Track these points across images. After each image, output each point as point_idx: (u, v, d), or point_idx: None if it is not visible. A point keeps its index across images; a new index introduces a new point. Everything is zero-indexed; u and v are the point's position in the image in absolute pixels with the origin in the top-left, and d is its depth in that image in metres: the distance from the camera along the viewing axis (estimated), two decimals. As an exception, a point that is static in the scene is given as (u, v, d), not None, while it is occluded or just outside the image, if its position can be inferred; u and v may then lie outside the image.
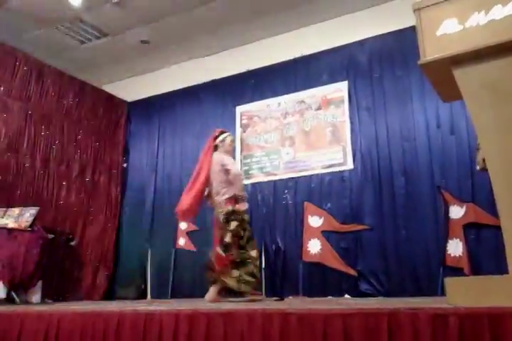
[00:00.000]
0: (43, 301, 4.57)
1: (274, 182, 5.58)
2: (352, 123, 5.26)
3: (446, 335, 1.44)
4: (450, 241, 4.32)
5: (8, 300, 4.24)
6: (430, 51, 2.03)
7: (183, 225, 5.96)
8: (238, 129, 6.01)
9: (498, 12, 1.92)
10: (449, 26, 2.01)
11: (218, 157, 3.98)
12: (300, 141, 5.57)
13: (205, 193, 3.97)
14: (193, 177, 4.00)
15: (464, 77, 1.99)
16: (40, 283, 4.65)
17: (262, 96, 5.95)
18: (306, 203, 5.18)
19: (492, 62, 1.91)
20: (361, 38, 5.44)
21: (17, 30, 5.89)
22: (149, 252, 6.17)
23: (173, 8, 5.60)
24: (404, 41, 4.90)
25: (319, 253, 4.95)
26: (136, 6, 5.52)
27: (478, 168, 2.99)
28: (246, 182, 5.75)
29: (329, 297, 4.57)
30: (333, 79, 5.52)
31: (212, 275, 3.62)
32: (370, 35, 5.38)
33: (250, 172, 5.77)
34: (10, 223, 4.60)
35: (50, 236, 4.94)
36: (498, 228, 1.90)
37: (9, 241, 4.44)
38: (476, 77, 1.96)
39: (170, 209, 6.18)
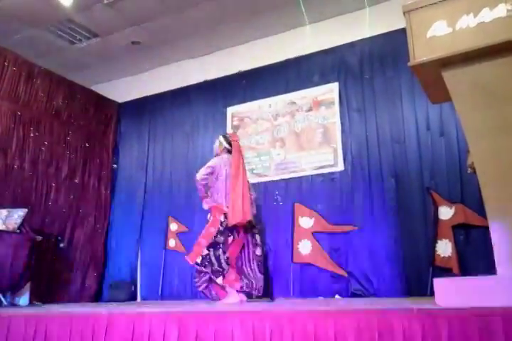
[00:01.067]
0: (31, 303, 4.52)
1: (265, 183, 5.57)
2: (342, 124, 5.28)
3: (435, 335, 1.45)
4: (439, 242, 4.35)
5: (-4, 302, 4.20)
6: (420, 53, 2.05)
7: (173, 226, 5.95)
8: (229, 130, 6.00)
9: (486, 15, 1.94)
10: (439, 28, 2.03)
11: None
12: (291, 142, 5.57)
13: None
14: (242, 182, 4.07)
15: (453, 78, 2.01)
16: (28, 285, 4.60)
17: (253, 98, 5.95)
18: (296, 204, 5.18)
19: (481, 65, 1.93)
20: (352, 40, 5.46)
21: (6, 30, 5.84)
22: (139, 253, 6.15)
23: (164, 9, 5.59)
24: (395, 43, 4.93)
25: (310, 254, 4.95)
26: (126, 6, 5.50)
27: (469, 171, 3.00)
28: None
29: (320, 298, 4.57)
30: (324, 81, 5.54)
31: None
32: (361, 37, 5.40)
33: (241, 173, 5.75)
34: (-2, 225, 4.54)
35: (39, 238, 4.89)
36: (487, 229, 1.92)
37: (-3, 243, 4.39)
38: (465, 79, 1.98)
39: (160, 210, 6.20)
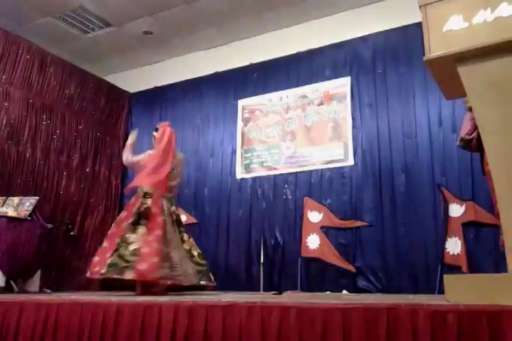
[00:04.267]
0: (41, 291, 4.58)
1: (275, 176, 5.58)
2: (354, 119, 5.25)
3: (445, 332, 1.44)
4: (449, 239, 4.32)
5: (7, 288, 4.26)
6: (435, 48, 2.02)
7: (182, 218, 5.96)
8: (240, 123, 6.00)
9: (504, 9, 1.91)
10: (455, 23, 2.00)
11: None
12: (301, 136, 5.55)
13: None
14: None
15: (469, 74, 1.98)
16: (38, 273, 4.66)
17: (264, 90, 5.93)
18: (305, 198, 5.18)
19: (497, 60, 1.90)
20: (365, 34, 5.41)
21: (20, 18, 5.86)
22: (148, 244, 6.18)
23: (177, 0, 5.57)
24: (409, 37, 4.88)
25: (318, 249, 4.95)
26: (140, -4, 5.50)
27: (458, 143, 3.03)
28: (246, 176, 5.77)
29: (327, 292, 4.58)
30: (336, 75, 5.50)
31: None
32: (375, 31, 5.35)
33: (251, 166, 5.76)
34: (9, 212, 4.60)
35: (50, 225, 4.95)
36: (498, 227, 1.91)
37: (8, 230, 4.45)
38: (481, 75, 1.95)
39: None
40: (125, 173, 6.78)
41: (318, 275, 4.93)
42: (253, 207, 5.55)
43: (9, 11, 5.67)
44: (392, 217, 4.74)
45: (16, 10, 5.69)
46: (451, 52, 1.98)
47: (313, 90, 5.60)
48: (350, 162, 5.14)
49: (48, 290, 4.58)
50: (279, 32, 6.09)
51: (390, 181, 4.86)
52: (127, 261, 3.49)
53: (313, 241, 4.98)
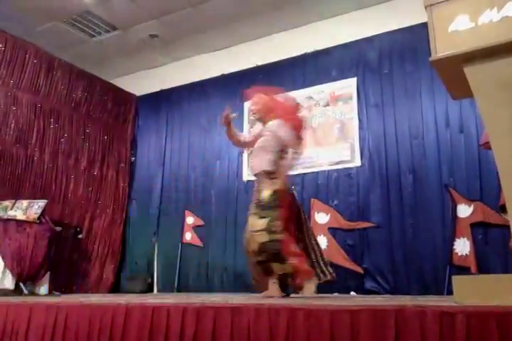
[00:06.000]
0: (50, 293, 4.61)
1: (281, 178, 5.56)
2: (360, 120, 5.24)
3: (454, 333, 1.43)
4: (457, 240, 4.30)
5: (17, 291, 4.30)
6: (441, 48, 2.01)
7: (189, 220, 5.99)
8: (246, 125, 6.00)
9: (510, 9, 1.90)
10: (461, 23, 1.99)
11: None
12: (308, 137, 5.50)
13: None
14: None
15: (476, 74, 1.97)
16: (47, 275, 4.69)
17: (271, 92, 5.93)
18: (312, 200, 5.17)
19: (504, 60, 1.89)
20: (371, 34, 5.40)
21: (27, 23, 5.91)
22: (156, 246, 6.21)
23: (182, 3, 5.60)
24: (415, 38, 4.87)
25: (325, 250, 4.91)
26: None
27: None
28: (253, 178, 5.75)
29: (335, 294, 4.57)
30: (341, 76, 5.50)
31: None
32: (380, 32, 5.34)
33: (257, 167, 5.76)
34: (18, 215, 4.64)
35: (58, 228, 4.98)
36: (506, 227, 1.89)
37: (18, 233, 4.49)
38: (487, 75, 1.94)
39: (177, 203, 6.24)
40: (133, 176, 6.82)
41: (325, 276, 4.91)
42: (260, 208, 5.54)
43: (16, 16, 5.72)
44: (399, 217, 4.73)
45: (23, 15, 5.74)
46: (458, 52, 1.97)
47: (319, 91, 5.59)
48: (357, 163, 5.13)
49: (57, 293, 4.61)
50: (285, 33, 6.10)
51: (398, 182, 4.84)
52: None
53: (320, 243, 4.96)
